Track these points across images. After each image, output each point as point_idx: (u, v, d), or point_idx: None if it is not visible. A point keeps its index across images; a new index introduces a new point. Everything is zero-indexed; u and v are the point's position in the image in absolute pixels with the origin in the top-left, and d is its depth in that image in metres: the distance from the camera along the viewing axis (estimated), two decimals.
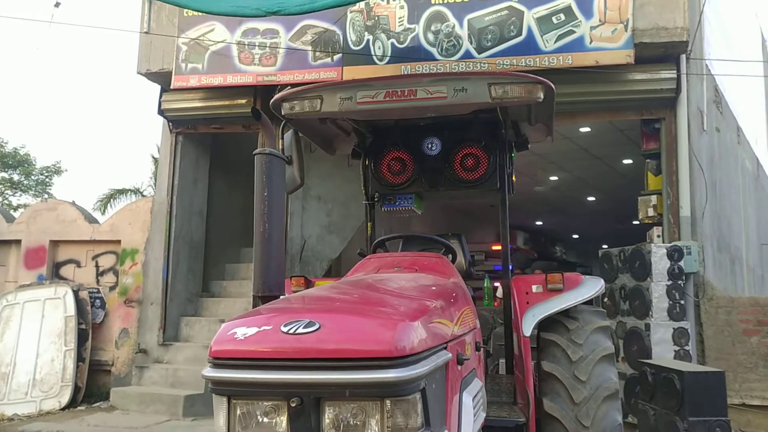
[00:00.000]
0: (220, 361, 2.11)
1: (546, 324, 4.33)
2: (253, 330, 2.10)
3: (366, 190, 5.11)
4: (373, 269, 3.76)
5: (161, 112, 9.18)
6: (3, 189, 29.05)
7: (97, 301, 9.37)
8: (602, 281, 4.34)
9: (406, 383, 2.00)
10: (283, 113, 4.28)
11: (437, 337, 2.36)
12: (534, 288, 4.22)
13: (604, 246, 8.75)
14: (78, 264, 9.65)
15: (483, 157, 4.79)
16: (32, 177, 29.75)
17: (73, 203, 9.99)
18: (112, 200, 21.11)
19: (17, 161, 28.88)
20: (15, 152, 28.77)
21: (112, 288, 9.45)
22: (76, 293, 9.08)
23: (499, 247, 14.26)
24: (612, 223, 16.09)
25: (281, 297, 2.95)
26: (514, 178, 5.19)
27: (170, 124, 9.31)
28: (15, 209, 24.38)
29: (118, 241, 9.39)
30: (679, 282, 7.16)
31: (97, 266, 9.58)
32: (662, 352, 7.03)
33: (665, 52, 7.67)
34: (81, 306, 9.08)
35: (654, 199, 8.17)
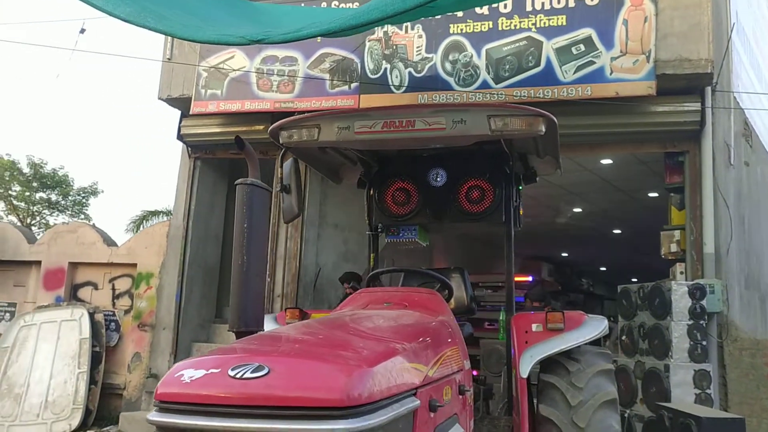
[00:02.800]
0: (165, 405, 2.01)
1: (547, 365, 4.16)
2: (200, 372, 2.00)
3: (369, 220, 5.04)
4: (361, 304, 3.64)
5: (180, 137, 9.25)
6: (41, 209, 29.62)
7: (112, 324, 9.40)
8: (606, 321, 4.16)
9: None
10: (281, 142, 4.23)
11: (403, 384, 2.23)
12: (534, 327, 4.05)
13: (634, 279, 8.49)
14: (95, 286, 9.71)
15: (489, 189, 4.70)
16: (69, 198, 30.29)
17: (93, 225, 10.10)
18: (144, 222, 21.37)
19: (56, 182, 29.40)
20: (54, 173, 29.31)
21: (127, 311, 9.47)
22: (91, 315, 9.10)
23: (521, 278, 13.91)
24: (639, 256, 15.71)
25: (258, 333, 2.85)
26: (521, 212, 5.07)
27: (189, 149, 9.38)
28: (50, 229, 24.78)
29: (135, 265, 9.43)
30: (701, 322, 6.87)
31: (113, 289, 9.62)
32: (682, 395, 6.73)
33: (689, 84, 7.48)
34: (96, 328, 9.09)
35: (677, 234, 7.90)
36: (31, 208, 29.52)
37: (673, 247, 7.92)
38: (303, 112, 7.80)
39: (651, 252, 8.46)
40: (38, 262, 9.91)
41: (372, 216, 4.99)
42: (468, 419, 3.20)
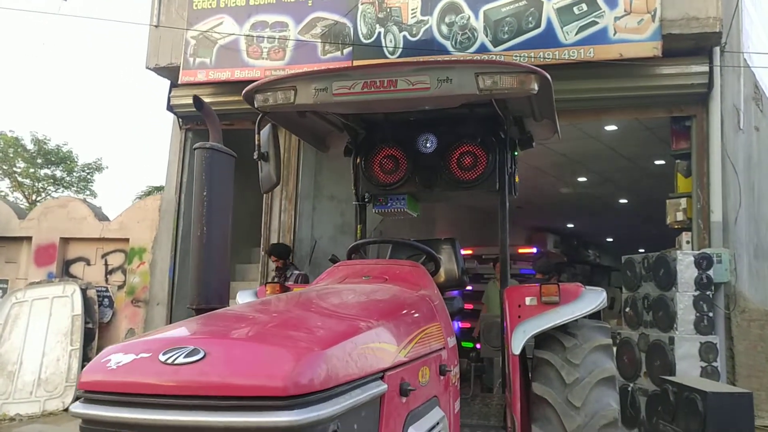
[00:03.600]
0: (90, 395, 1.78)
1: (542, 340, 3.91)
2: (129, 357, 1.76)
3: (356, 189, 4.79)
4: (338, 278, 3.40)
5: (170, 107, 8.98)
6: (46, 185, 29.52)
7: (106, 300, 9.22)
8: (604, 293, 3.89)
9: (305, 428, 1.64)
10: (256, 106, 3.96)
11: (367, 367, 1.98)
12: (527, 300, 3.79)
13: (641, 250, 8.23)
14: (88, 262, 9.52)
15: (481, 155, 4.42)
16: (74, 174, 30.17)
17: (84, 200, 9.88)
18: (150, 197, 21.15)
19: (60, 158, 29.26)
20: (58, 149, 29.15)
21: (120, 287, 9.29)
22: (84, 292, 8.92)
23: (526, 250, 13.61)
24: (647, 226, 15.43)
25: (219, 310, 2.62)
26: (517, 179, 4.78)
27: (180, 120, 9.12)
28: None
29: (127, 240, 9.22)
30: (708, 293, 6.62)
31: (106, 264, 9.43)
32: (688, 369, 6.50)
33: (696, 45, 7.14)
34: (88, 305, 8.92)
35: (683, 202, 7.61)
36: (36, 184, 29.44)
37: (679, 216, 7.64)
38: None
39: (658, 222, 8.17)
40: (29, 238, 9.72)
41: (358, 185, 4.74)
42: (451, 400, 2.97)
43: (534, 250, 13.99)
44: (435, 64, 3.97)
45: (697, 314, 6.56)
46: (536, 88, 3.48)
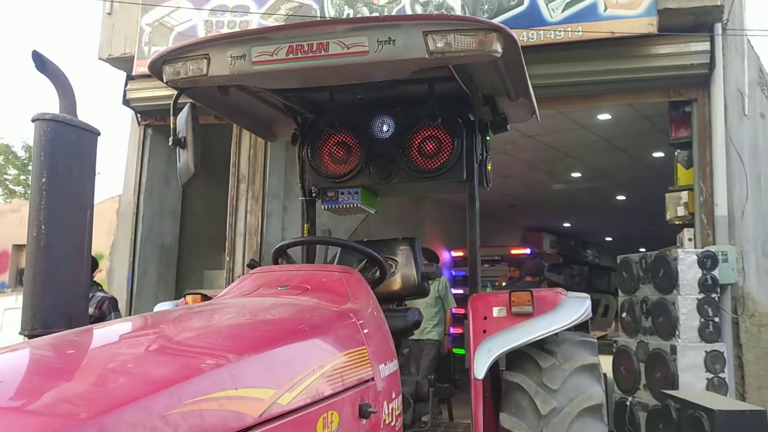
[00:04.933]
0: None
1: (513, 360, 3.22)
2: None
3: (302, 183, 4.14)
4: (247, 289, 2.71)
5: (126, 102, 8.28)
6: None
7: None
8: (588, 301, 3.21)
9: None
10: (165, 80, 3.28)
11: (207, 428, 1.29)
12: (495, 311, 3.10)
13: (642, 249, 7.61)
14: None
15: (446, 139, 3.77)
16: None
17: None
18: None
19: None
20: None
21: None
22: None
23: (519, 251, 12.80)
24: (646, 224, 14.77)
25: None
26: (489, 167, 4.10)
27: (137, 115, 8.43)
28: None
29: None
30: (713, 295, 5.93)
31: None
32: (692, 380, 5.80)
33: (696, 20, 6.46)
34: None
35: (684, 196, 6.89)
36: (29, 192, 28.95)
37: (680, 211, 6.93)
38: None
39: (659, 219, 7.48)
40: None
41: (305, 178, 4.08)
42: None
43: (527, 251, 13.34)
44: (374, 21, 3.29)
45: (702, 319, 5.87)
46: (500, 49, 2.81)
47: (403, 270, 3.85)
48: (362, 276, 2.92)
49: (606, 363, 5.88)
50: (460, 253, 12.26)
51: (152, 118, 8.42)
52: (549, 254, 16.10)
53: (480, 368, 2.94)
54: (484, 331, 3.05)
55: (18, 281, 8.89)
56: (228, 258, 7.94)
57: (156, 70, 3.25)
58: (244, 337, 1.81)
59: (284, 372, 1.65)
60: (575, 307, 3.11)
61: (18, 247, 8.91)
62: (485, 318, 3.09)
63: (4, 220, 9.02)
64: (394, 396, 2.46)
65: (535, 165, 10.65)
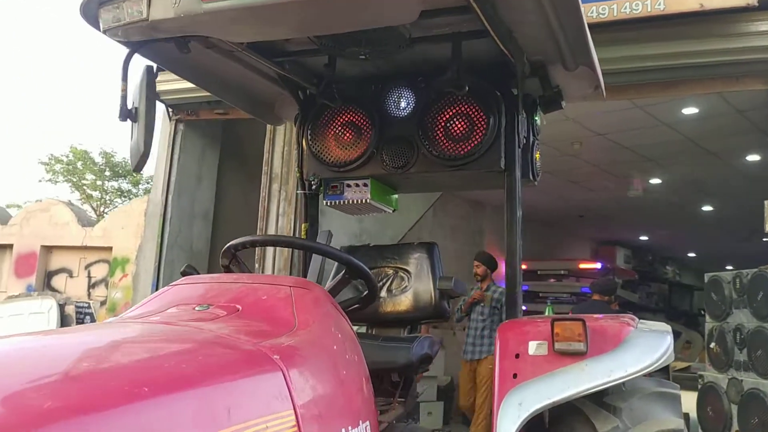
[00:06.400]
0: None
1: (559, 416, 2.29)
2: None
3: (300, 173, 3.34)
4: (156, 307, 1.91)
5: (156, 95, 7.73)
6: (113, 198, 29.81)
7: (87, 317, 8.03)
8: (669, 336, 2.24)
9: None
10: (102, 29, 2.55)
11: None
12: (532, 347, 2.18)
13: (728, 267, 6.51)
14: (70, 273, 8.42)
15: (479, 118, 2.89)
16: (140, 186, 30.47)
17: (68, 203, 8.82)
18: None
19: (126, 171, 29.62)
20: (125, 161, 29.51)
21: (103, 303, 8.12)
22: (61, 308, 7.78)
23: (588, 265, 11.47)
24: (737, 239, 13.30)
25: None
26: (537, 156, 3.18)
27: (168, 109, 7.91)
28: None
29: (110, 248, 8.05)
30: None
31: (89, 276, 8.30)
32: None
33: None
34: (66, 322, 7.76)
35: None
36: (104, 197, 29.73)
37: None
38: None
39: (753, 233, 6.34)
40: (11, 246, 8.71)
41: (302, 166, 3.29)
42: None
43: (598, 265, 12.18)
44: None
45: None
46: None
47: (416, 285, 2.99)
48: (327, 292, 2.06)
49: (689, 400, 4.84)
50: (524, 267, 11.26)
51: (183, 113, 7.88)
52: (623, 269, 14.84)
53: (506, 427, 2.02)
54: (515, 376, 2.14)
55: (46, 284, 8.48)
56: (257, 265, 7.24)
57: (90, 15, 2.52)
58: (66, 394, 1.00)
59: None
60: (650, 345, 2.16)
61: (47, 249, 8.52)
62: (517, 356, 2.18)
63: (35, 219, 8.67)
64: None
65: (606, 169, 9.55)
